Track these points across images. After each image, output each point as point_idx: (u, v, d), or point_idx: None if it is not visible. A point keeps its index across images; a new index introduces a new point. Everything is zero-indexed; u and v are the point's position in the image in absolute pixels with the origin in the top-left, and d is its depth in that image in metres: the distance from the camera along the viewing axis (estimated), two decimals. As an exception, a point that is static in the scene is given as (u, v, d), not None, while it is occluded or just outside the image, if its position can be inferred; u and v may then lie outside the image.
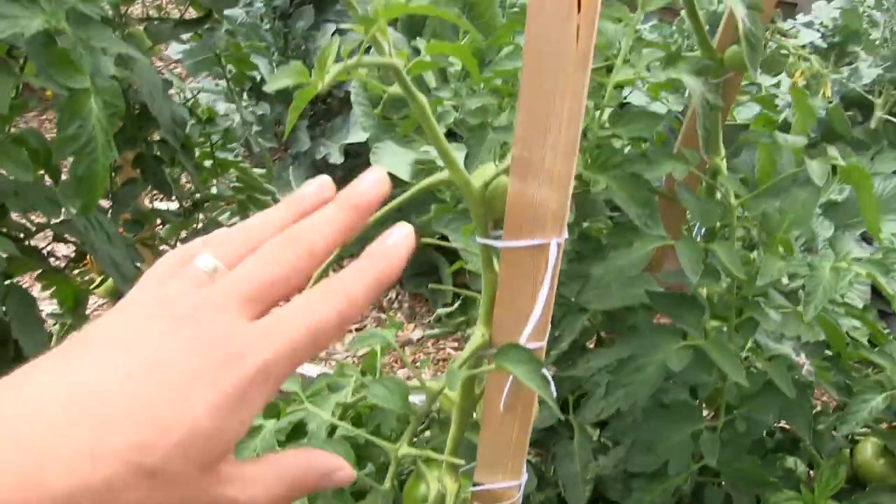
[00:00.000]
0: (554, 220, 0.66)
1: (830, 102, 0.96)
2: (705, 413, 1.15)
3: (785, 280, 1.28)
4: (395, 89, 0.71)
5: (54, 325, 1.67)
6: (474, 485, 0.85)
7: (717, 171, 1.05)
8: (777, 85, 1.17)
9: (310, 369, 1.97)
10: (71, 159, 1.00)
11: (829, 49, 3.07)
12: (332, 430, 0.90)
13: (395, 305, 2.86)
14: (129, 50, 1.14)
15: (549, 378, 0.70)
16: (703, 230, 1.12)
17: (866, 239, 2.67)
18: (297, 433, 0.86)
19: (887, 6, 2.87)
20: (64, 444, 0.34)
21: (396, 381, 0.71)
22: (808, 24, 3.09)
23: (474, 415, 0.90)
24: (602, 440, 1.21)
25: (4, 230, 1.31)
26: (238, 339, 0.37)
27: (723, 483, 1.10)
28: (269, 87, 0.59)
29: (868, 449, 1.30)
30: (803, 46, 2.85)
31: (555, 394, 0.72)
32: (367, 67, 0.62)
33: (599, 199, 1.14)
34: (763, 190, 1.00)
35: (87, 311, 1.60)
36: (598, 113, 0.93)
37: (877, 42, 2.83)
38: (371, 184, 0.44)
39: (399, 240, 0.42)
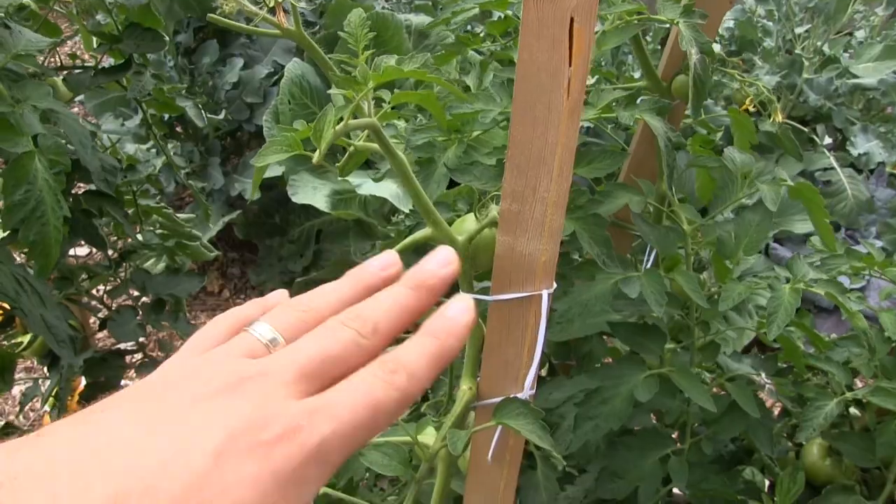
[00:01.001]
0: (544, 271, 0.65)
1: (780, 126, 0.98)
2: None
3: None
4: (365, 144, 0.70)
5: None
6: (463, 536, 0.83)
7: (664, 197, 1.07)
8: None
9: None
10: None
11: (727, 57, 3.18)
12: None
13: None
14: (53, 104, 1.10)
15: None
16: (653, 256, 1.14)
17: (778, 240, 2.77)
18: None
19: (778, 17, 2.99)
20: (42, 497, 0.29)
21: (394, 445, 0.70)
22: (706, 36, 3.19)
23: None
24: (566, 469, 1.21)
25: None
26: (291, 414, 0.33)
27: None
28: (257, 162, 0.57)
29: (815, 451, 1.34)
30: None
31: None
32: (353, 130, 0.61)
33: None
34: (715, 215, 1.02)
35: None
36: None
37: (772, 50, 2.95)
38: (441, 262, 0.41)
39: (460, 312, 0.39)
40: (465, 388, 0.73)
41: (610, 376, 0.97)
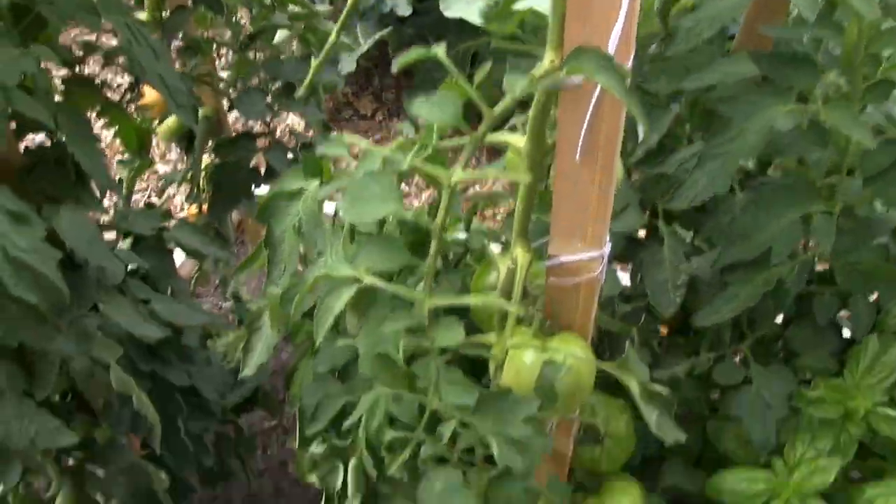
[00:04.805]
0: None
1: None
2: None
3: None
4: None
5: (124, 171, 1.62)
6: (549, 258, 0.74)
7: None
8: None
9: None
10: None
11: None
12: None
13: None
14: None
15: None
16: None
17: None
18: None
19: None
20: None
21: (448, 94, 0.60)
22: None
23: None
24: (695, 245, 1.08)
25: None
26: None
27: (837, 282, 0.96)
28: None
29: None
30: None
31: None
32: None
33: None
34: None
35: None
36: None
37: None
38: None
39: None
40: (546, 60, 0.61)
41: (744, 108, 0.83)
